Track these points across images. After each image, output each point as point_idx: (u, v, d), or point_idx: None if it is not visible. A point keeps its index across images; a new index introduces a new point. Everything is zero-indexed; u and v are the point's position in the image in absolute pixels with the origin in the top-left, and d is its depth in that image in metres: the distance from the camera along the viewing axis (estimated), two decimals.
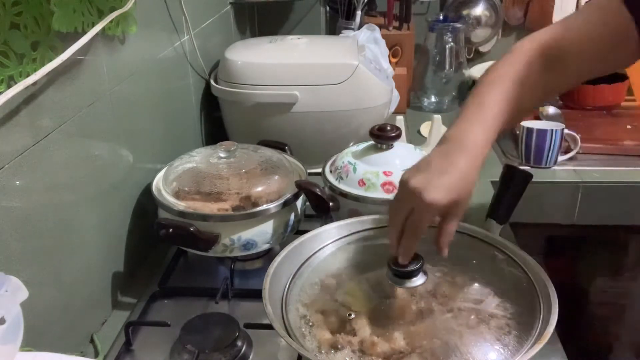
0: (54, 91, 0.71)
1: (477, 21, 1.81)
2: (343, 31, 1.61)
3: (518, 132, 1.34)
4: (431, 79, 1.63)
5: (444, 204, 0.66)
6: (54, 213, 0.73)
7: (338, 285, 0.78)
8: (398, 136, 0.96)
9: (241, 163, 0.93)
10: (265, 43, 1.29)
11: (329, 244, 0.83)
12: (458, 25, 1.63)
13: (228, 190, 0.88)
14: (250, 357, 0.77)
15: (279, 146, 1.05)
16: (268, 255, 0.96)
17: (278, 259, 0.75)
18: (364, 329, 0.69)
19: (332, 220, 0.87)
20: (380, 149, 0.96)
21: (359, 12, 1.62)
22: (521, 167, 0.94)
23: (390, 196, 0.91)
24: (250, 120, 1.23)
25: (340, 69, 1.18)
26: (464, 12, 1.81)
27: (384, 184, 0.92)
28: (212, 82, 1.25)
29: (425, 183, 0.67)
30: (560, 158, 1.32)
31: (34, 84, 0.64)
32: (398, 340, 0.68)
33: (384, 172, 0.92)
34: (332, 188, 0.95)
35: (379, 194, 0.91)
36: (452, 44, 1.61)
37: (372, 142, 0.98)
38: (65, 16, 0.68)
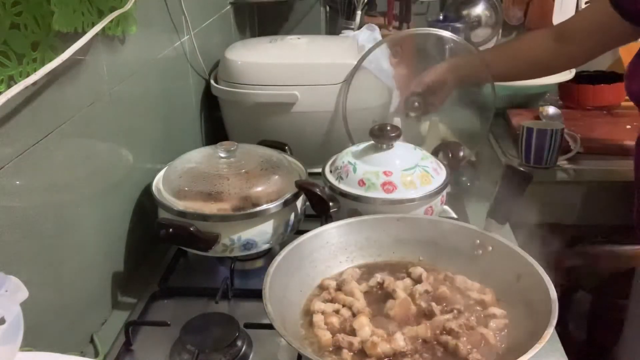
0: (54, 91, 0.71)
1: (477, 21, 1.82)
2: (343, 31, 1.61)
3: (518, 132, 1.34)
4: None
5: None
6: (54, 213, 0.73)
7: (338, 285, 0.78)
8: (398, 136, 0.96)
9: (241, 163, 0.93)
10: (265, 43, 1.29)
11: (329, 244, 0.83)
12: (458, 25, 1.63)
13: (228, 190, 0.88)
14: (250, 357, 0.77)
15: (279, 146, 1.05)
16: (268, 255, 0.96)
17: (278, 259, 0.76)
18: (364, 329, 0.70)
19: (332, 220, 0.87)
20: (380, 149, 0.96)
21: (359, 12, 1.62)
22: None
23: (390, 196, 0.91)
24: (250, 120, 1.23)
25: (340, 69, 1.18)
26: (464, 12, 1.82)
27: (384, 184, 0.92)
28: (212, 82, 1.25)
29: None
30: (560, 158, 1.32)
31: (34, 84, 0.64)
32: (398, 340, 0.68)
33: (384, 172, 0.92)
34: (332, 188, 0.95)
35: (379, 194, 0.91)
36: (452, 44, 1.60)
37: (372, 142, 0.98)
38: (65, 16, 0.68)
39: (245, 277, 0.95)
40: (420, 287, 0.77)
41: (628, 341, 1.17)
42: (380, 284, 0.78)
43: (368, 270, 0.82)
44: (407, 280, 0.79)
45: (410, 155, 0.96)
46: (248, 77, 1.19)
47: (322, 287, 0.79)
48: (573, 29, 1.11)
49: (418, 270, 0.80)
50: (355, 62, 1.18)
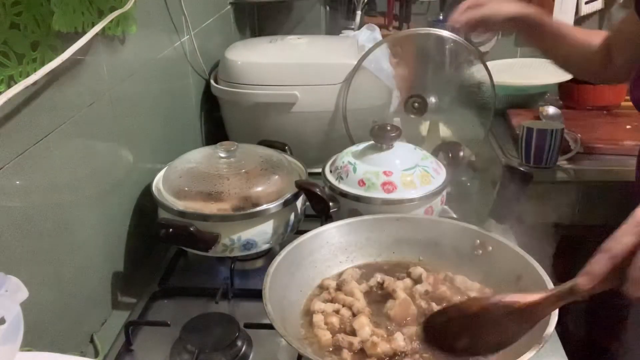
0: (54, 91, 0.71)
1: None
2: (343, 31, 1.61)
3: (518, 132, 1.34)
4: (431, 79, 1.63)
5: None
6: (54, 213, 0.73)
7: (338, 285, 0.78)
8: (398, 136, 0.96)
9: (241, 163, 0.93)
10: (265, 43, 1.29)
11: (329, 244, 0.83)
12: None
13: (228, 190, 0.88)
14: (250, 357, 0.77)
15: (279, 146, 1.05)
16: (268, 255, 0.96)
17: (278, 259, 0.76)
18: (364, 329, 0.70)
19: (332, 220, 0.87)
20: (380, 149, 0.96)
21: (359, 12, 1.63)
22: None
23: (390, 196, 0.91)
24: (250, 120, 1.23)
25: (340, 69, 1.18)
26: None
27: (384, 184, 0.92)
28: (212, 82, 1.25)
29: None
30: (560, 158, 1.32)
31: (34, 84, 0.64)
32: (398, 340, 0.68)
33: (384, 172, 0.92)
34: (332, 188, 0.95)
35: (379, 194, 0.91)
36: (452, 44, 1.60)
37: (372, 142, 0.98)
38: (65, 16, 0.68)
39: (245, 277, 0.95)
40: (420, 287, 0.77)
41: (628, 341, 1.17)
42: (380, 284, 0.78)
43: (368, 270, 0.82)
44: (407, 280, 0.79)
45: (410, 155, 0.96)
46: (248, 77, 1.19)
47: (322, 287, 0.79)
48: (613, 38, 1.07)
49: (418, 270, 0.80)
50: (355, 62, 1.18)
